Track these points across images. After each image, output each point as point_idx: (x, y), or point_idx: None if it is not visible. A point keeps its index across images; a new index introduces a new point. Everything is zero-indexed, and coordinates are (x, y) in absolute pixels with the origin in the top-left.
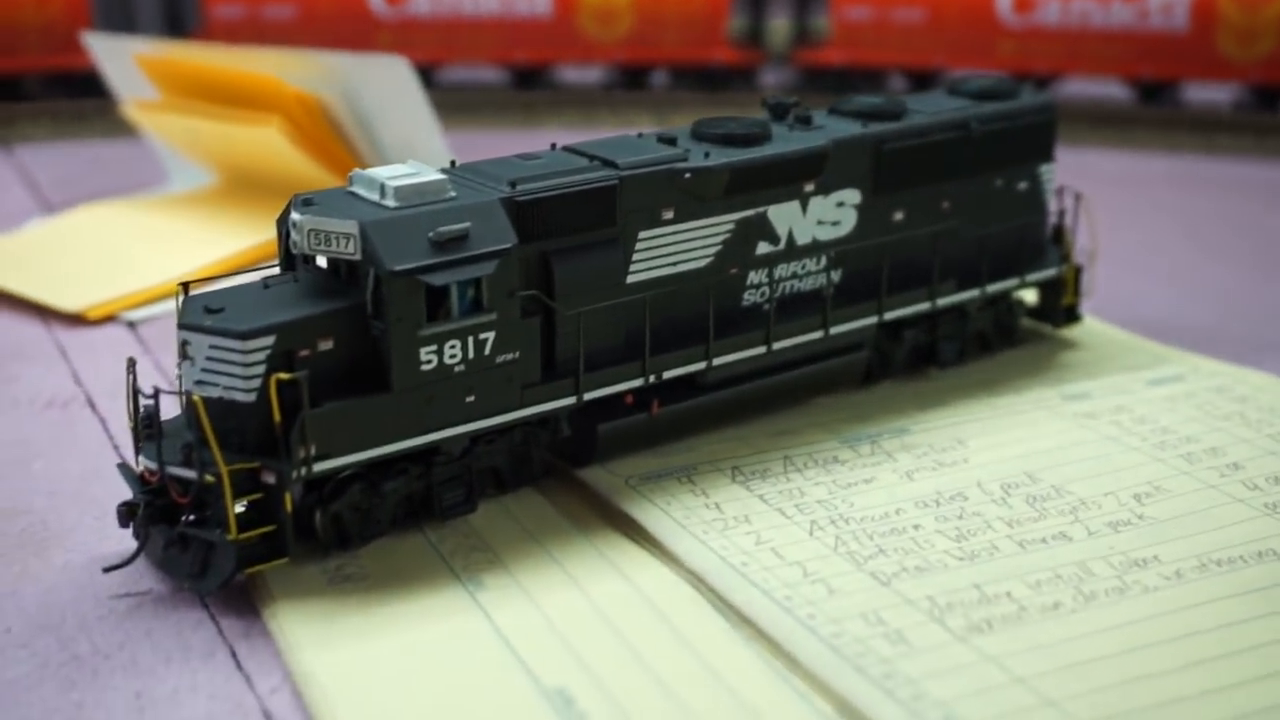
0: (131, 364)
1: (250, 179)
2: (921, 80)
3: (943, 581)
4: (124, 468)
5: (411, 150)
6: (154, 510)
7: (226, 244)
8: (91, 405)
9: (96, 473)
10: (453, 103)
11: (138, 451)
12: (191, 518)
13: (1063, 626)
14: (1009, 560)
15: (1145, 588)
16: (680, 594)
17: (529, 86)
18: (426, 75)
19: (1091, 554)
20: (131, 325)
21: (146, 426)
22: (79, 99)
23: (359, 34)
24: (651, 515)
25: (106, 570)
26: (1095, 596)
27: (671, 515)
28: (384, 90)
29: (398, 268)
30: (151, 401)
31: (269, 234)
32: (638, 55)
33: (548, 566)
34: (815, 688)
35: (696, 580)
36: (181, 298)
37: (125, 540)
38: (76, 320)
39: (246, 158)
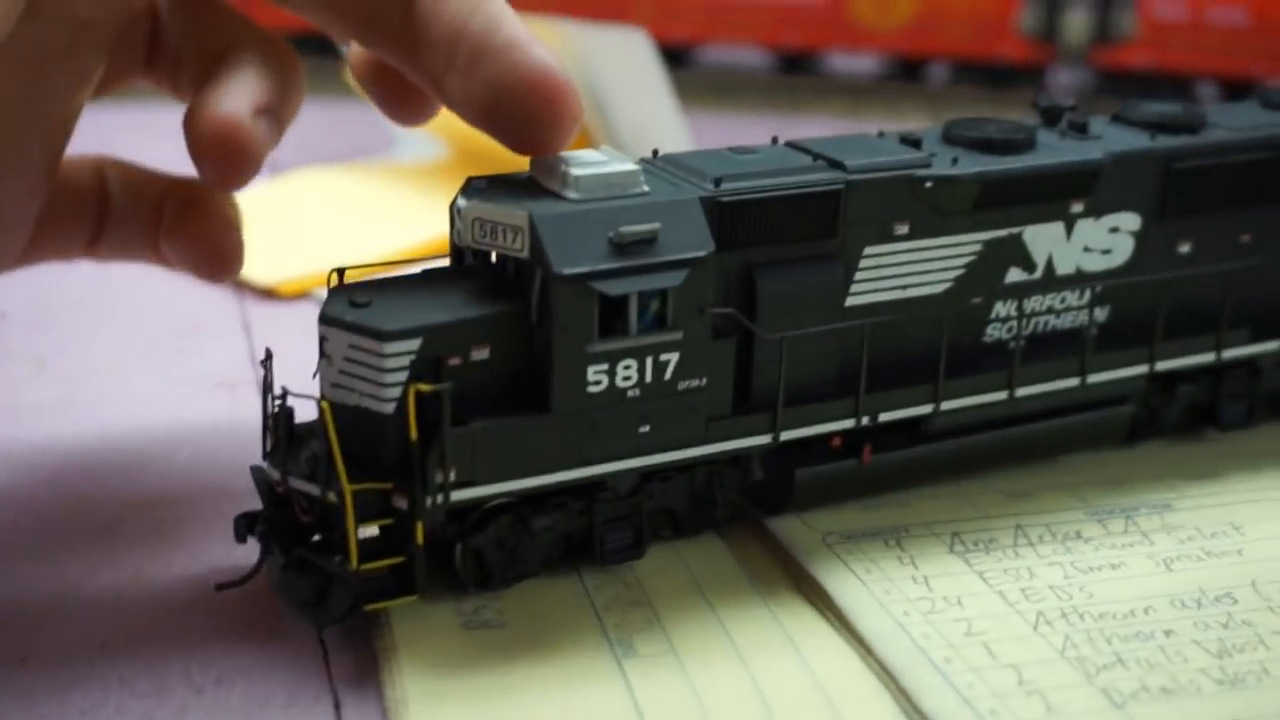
0: (268, 356)
1: (480, 154)
2: (1238, 91)
3: (1193, 710)
4: (258, 471)
5: (646, 131)
6: (278, 526)
7: (437, 224)
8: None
9: (247, 470)
10: (712, 84)
11: (265, 456)
12: (316, 539)
13: None
14: None
15: None
16: (863, 686)
17: (795, 72)
18: (687, 54)
19: None
20: None
21: (279, 429)
22: (321, 56)
23: (615, 4)
24: (844, 583)
25: (219, 588)
26: None
27: (869, 586)
28: (621, 64)
29: (568, 271)
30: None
31: None
32: (916, 46)
33: (712, 632)
34: None
35: (884, 672)
36: (332, 285)
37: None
38: (269, 294)
39: (470, 129)
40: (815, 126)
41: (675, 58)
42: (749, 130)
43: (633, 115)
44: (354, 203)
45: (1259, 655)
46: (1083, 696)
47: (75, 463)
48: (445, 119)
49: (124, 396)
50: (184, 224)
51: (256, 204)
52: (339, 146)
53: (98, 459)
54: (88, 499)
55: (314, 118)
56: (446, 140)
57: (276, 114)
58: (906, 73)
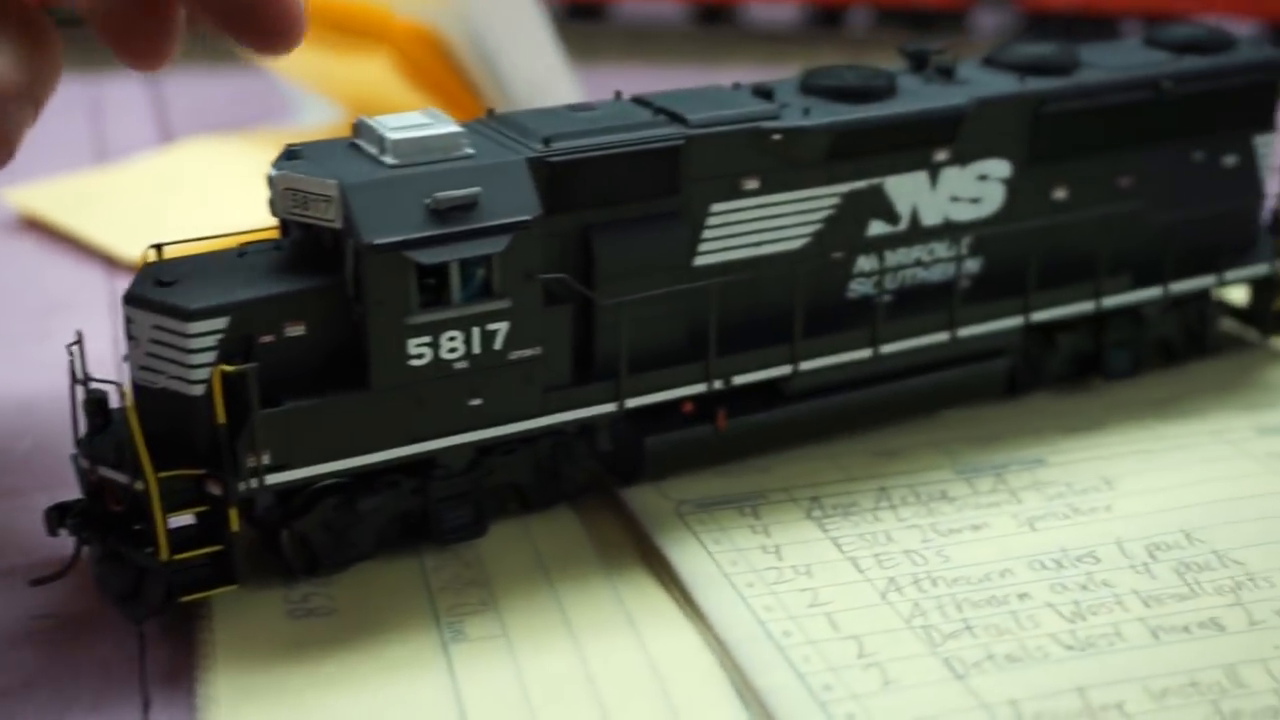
0: (78, 339)
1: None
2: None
3: (1037, 679)
4: (77, 459)
5: (539, 90)
6: (95, 516)
7: None
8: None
9: None
10: (629, 37)
11: (77, 445)
12: (135, 528)
13: None
14: (1134, 654)
15: None
16: (698, 666)
17: (714, 23)
18: (603, 8)
19: (1248, 655)
20: None
21: (93, 415)
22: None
23: None
24: (691, 556)
25: (34, 584)
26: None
27: (715, 558)
28: (507, 22)
29: (379, 240)
30: (101, 385)
31: None
32: None
33: (549, 613)
34: None
35: (721, 649)
36: (146, 264)
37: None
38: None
39: (364, 92)
40: (733, 77)
41: (592, 11)
42: (664, 83)
43: (522, 72)
44: (243, 170)
45: (1113, 617)
46: (923, 668)
47: None
48: (341, 82)
49: None
50: None
51: (139, 176)
52: (238, 116)
53: None
54: None
55: (213, 89)
56: (343, 103)
57: (33, 94)
58: (827, 19)
